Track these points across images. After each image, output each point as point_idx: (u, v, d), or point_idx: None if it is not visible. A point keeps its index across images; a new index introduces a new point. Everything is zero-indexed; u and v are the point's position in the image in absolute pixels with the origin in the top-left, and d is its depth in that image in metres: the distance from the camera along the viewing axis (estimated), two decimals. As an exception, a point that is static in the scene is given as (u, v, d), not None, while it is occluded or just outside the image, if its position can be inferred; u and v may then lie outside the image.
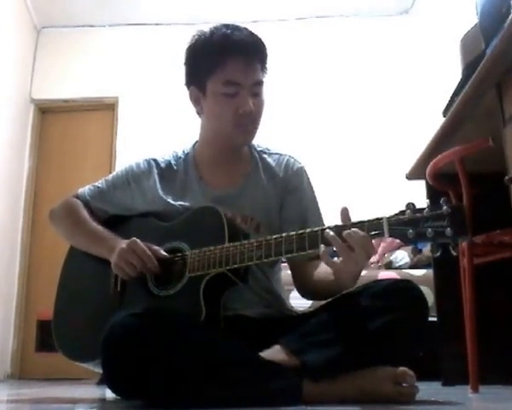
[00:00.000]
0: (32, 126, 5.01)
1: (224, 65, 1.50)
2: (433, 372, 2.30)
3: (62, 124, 5.11)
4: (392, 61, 4.92)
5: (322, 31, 5.06)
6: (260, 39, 1.56)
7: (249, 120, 1.54)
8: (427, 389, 1.83)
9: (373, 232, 1.22)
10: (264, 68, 1.57)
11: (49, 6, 4.95)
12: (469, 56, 1.99)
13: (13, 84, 4.72)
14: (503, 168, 1.56)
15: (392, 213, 1.22)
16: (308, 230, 1.30)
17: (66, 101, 5.07)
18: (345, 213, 1.26)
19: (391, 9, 5.04)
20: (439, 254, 1.18)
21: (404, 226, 1.19)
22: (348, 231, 1.21)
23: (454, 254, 1.16)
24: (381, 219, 1.21)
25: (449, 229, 1.15)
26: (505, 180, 1.53)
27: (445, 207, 1.16)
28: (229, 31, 1.52)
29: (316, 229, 1.29)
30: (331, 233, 1.23)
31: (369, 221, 1.23)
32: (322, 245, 1.25)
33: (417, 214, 1.19)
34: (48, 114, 5.15)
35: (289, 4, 4.97)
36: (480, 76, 1.63)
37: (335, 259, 1.26)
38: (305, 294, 1.59)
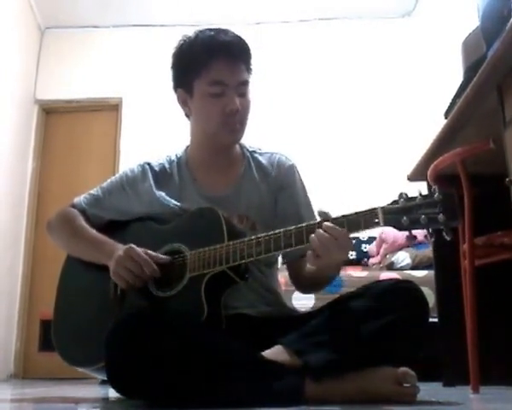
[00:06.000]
0: (36, 127, 5.02)
1: (210, 65, 1.51)
2: (434, 373, 2.30)
3: (66, 124, 5.12)
4: (394, 63, 4.93)
5: (324, 33, 5.06)
6: (244, 41, 1.58)
7: (236, 119, 1.55)
8: (428, 390, 1.84)
9: (369, 222, 1.26)
10: (248, 69, 1.59)
11: (54, 7, 4.97)
12: (471, 59, 2.00)
13: (17, 84, 4.73)
14: (504, 170, 1.57)
15: (386, 203, 1.25)
16: (305, 224, 1.32)
17: (70, 101, 5.09)
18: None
19: (393, 12, 5.05)
20: (433, 239, 1.21)
21: (399, 214, 1.23)
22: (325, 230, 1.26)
23: (447, 238, 1.19)
24: (376, 208, 1.25)
25: (441, 215, 1.18)
26: (506, 182, 1.54)
27: (436, 195, 1.20)
28: (213, 33, 1.55)
29: (313, 222, 1.32)
30: (312, 236, 1.27)
31: (364, 211, 1.26)
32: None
33: (410, 202, 1.23)
34: (52, 114, 5.16)
35: (292, 6, 4.97)
36: (482, 78, 1.64)
37: None
38: (301, 288, 1.63)
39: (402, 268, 3.66)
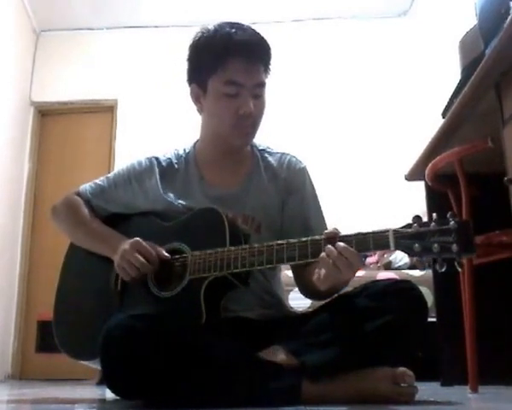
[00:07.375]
0: (32, 129, 5.01)
1: (226, 65, 1.47)
2: (433, 373, 2.30)
3: (62, 126, 5.12)
4: (390, 62, 4.93)
5: (319, 33, 5.06)
6: (264, 40, 1.53)
7: (249, 122, 1.52)
8: (427, 390, 1.83)
9: (378, 244, 1.21)
10: (267, 70, 1.55)
11: (49, 9, 4.97)
12: (468, 57, 1.99)
13: (12, 86, 4.72)
14: (503, 169, 1.57)
15: (399, 226, 1.20)
16: (310, 238, 1.30)
17: (65, 103, 5.08)
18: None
19: (389, 11, 5.04)
20: (444, 269, 1.16)
21: (410, 240, 1.17)
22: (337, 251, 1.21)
23: (459, 270, 1.14)
24: (387, 231, 1.20)
25: (455, 245, 1.13)
26: (504, 181, 1.53)
27: (451, 223, 1.15)
28: (232, 30, 1.49)
29: (318, 237, 1.28)
30: (322, 254, 1.23)
31: (374, 233, 1.21)
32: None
33: (424, 228, 1.17)
34: (47, 116, 5.15)
35: (286, 6, 4.97)
36: (479, 77, 1.63)
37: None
38: (307, 295, 1.59)
39: (400, 268, 3.66)
